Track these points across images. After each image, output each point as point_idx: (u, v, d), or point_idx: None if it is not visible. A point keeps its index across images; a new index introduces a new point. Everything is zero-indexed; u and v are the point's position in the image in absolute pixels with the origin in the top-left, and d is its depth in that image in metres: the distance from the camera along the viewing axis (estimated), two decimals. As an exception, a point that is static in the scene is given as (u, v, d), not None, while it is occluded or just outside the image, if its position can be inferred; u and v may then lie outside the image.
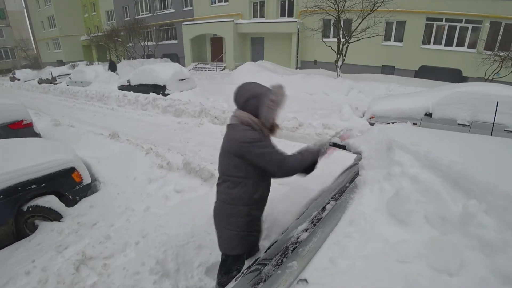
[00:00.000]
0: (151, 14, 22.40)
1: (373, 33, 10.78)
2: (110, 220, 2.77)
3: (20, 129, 4.63)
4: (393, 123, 1.85)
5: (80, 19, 30.22)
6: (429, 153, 1.10)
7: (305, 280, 0.80)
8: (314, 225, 1.10)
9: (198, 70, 18.46)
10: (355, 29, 10.97)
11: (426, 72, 12.84)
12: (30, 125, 4.84)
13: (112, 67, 15.96)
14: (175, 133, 5.93)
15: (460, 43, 12.43)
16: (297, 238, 1.06)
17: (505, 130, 4.47)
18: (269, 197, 1.68)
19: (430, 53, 12.79)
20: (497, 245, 0.75)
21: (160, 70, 10.03)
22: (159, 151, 4.46)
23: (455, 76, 11.95)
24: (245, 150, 1.41)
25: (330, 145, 1.60)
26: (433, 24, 12.66)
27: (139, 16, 22.31)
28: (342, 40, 11.42)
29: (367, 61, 13.97)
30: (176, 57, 21.04)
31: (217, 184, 1.62)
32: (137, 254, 2.26)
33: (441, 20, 12.43)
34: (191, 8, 19.89)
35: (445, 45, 12.67)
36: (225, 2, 18.16)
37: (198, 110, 6.96)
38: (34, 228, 2.66)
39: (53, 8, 29.08)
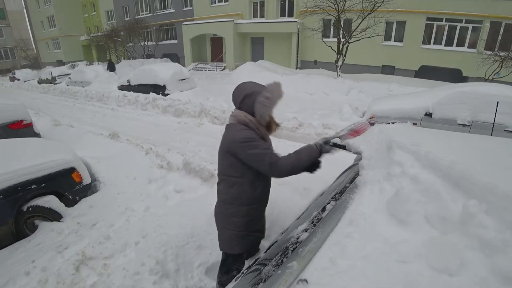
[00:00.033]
0: (151, 14, 22.39)
1: (373, 33, 10.78)
2: (110, 220, 2.77)
3: (20, 129, 4.63)
4: (393, 123, 1.84)
5: (80, 19, 30.22)
6: (429, 153, 1.10)
7: (305, 280, 0.80)
8: (314, 225, 1.10)
9: (198, 70, 18.46)
10: (355, 29, 10.97)
11: (426, 72, 12.84)
12: (30, 125, 4.84)
13: (111, 67, 16.02)
14: (175, 133, 5.93)
15: (460, 43, 12.43)
16: (297, 238, 1.05)
17: (505, 130, 4.46)
18: (269, 197, 1.68)
19: (430, 53, 12.79)
20: (497, 245, 0.74)
21: (160, 70, 10.03)
22: (159, 151, 4.46)
23: (455, 76, 11.95)
24: (237, 149, 1.41)
25: (330, 145, 1.59)
26: (433, 24, 12.66)
27: (139, 16, 22.31)
28: (342, 40, 11.42)
29: (367, 61, 13.97)
30: (176, 57, 21.04)
31: (217, 184, 1.63)
32: (137, 254, 2.26)
33: (441, 20, 12.43)
34: (191, 8, 19.89)
35: (445, 45, 12.67)
36: (225, 2, 18.16)
37: (198, 110, 6.96)
38: (34, 228, 2.66)
39: (53, 8, 29.09)
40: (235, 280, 1.16)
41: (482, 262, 0.75)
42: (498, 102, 3.65)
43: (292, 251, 0.97)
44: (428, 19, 12.61)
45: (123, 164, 3.92)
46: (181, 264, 2.14)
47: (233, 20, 16.84)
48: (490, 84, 6.03)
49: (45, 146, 3.31)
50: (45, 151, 3.06)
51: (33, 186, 2.63)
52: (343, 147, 1.66)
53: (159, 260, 2.12)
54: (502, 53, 9.64)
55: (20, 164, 2.62)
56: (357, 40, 11.07)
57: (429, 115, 5.06)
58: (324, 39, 12.90)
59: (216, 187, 1.66)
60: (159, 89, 9.63)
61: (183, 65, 17.46)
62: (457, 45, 12.50)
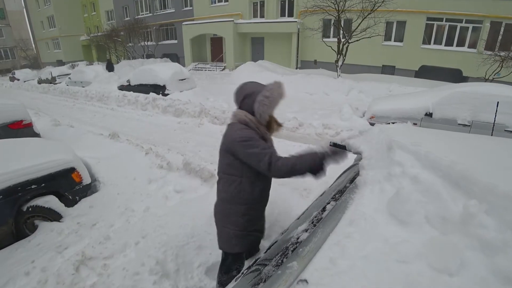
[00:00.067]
0: (151, 14, 22.40)
1: (373, 33, 10.78)
2: (110, 221, 2.77)
3: (19, 129, 4.63)
4: (393, 123, 1.84)
5: (80, 19, 30.22)
6: (430, 153, 1.10)
7: (305, 281, 0.80)
8: (314, 225, 1.10)
9: (198, 70, 18.46)
10: (355, 29, 10.97)
11: (426, 72, 12.85)
12: (29, 125, 4.84)
13: (109, 67, 16.11)
14: (175, 133, 5.93)
15: (461, 43, 12.43)
16: (297, 239, 1.05)
17: (505, 130, 4.47)
18: (269, 197, 1.68)
19: (431, 53, 12.80)
20: (497, 245, 0.74)
21: (160, 70, 10.04)
22: (159, 151, 4.46)
23: (455, 76, 11.95)
24: (236, 148, 1.42)
25: (330, 145, 1.59)
26: (434, 24, 12.67)
27: (139, 16, 22.32)
28: (342, 40, 11.42)
29: (367, 61, 13.97)
30: (176, 57, 21.04)
31: (217, 182, 1.63)
32: (137, 254, 2.25)
33: (441, 20, 12.43)
34: (191, 8, 19.89)
35: (445, 45, 12.67)
36: (225, 2, 18.16)
37: (198, 110, 6.96)
38: (33, 228, 2.66)
39: (53, 8, 29.09)
40: (235, 280, 1.16)
41: (482, 262, 0.75)
42: (498, 102, 3.65)
43: (292, 251, 0.97)
44: (428, 19, 12.62)
45: (123, 164, 3.92)
46: (181, 264, 2.14)
47: (233, 20, 16.84)
48: (490, 84, 6.03)
49: (45, 146, 3.31)
50: (45, 151, 3.06)
51: (33, 186, 2.63)
52: (343, 147, 1.66)
53: (159, 260, 2.12)
54: (502, 53, 9.64)
55: (20, 164, 2.62)
56: (357, 40, 11.07)
57: (429, 115, 5.06)
58: (324, 39, 12.90)
59: (216, 186, 1.66)
60: (159, 89, 9.64)
61: (183, 65, 17.47)
62: (457, 45, 12.50)
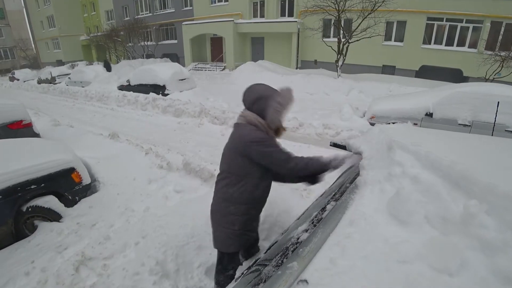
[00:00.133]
0: (150, 14, 22.40)
1: (373, 33, 10.78)
2: (109, 221, 2.77)
3: (19, 129, 4.63)
4: (393, 123, 1.85)
5: (79, 19, 30.22)
6: (430, 153, 1.10)
7: (305, 281, 0.80)
8: (315, 225, 1.10)
9: (198, 70, 18.46)
10: (356, 29, 10.98)
11: (426, 72, 12.84)
12: (29, 125, 4.84)
13: (107, 67, 16.15)
14: (175, 133, 5.93)
15: (461, 43, 12.43)
16: (297, 239, 1.05)
17: (506, 130, 4.46)
18: (269, 197, 1.68)
19: (431, 53, 12.79)
20: (497, 245, 0.74)
21: (160, 70, 10.04)
22: (159, 151, 4.46)
23: (455, 76, 11.95)
24: (252, 149, 1.43)
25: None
26: (434, 24, 12.66)
27: (139, 16, 22.31)
28: (343, 40, 11.42)
29: (367, 61, 13.97)
30: (176, 57, 21.04)
31: (217, 181, 1.62)
32: (137, 254, 2.25)
33: (441, 20, 12.43)
34: (191, 8, 19.89)
35: (445, 45, 12.67)
36: (225, 1, 18.16)
37: (198, 110, 6.96)
38: (33, 228, 2.66)
39: (53, 8, 29.09)
40: (235, 281, 1.16)
41: (483, 262, 0.75)
42: (498, 102, 3.66)
43: (292, 251, 0.96)
44: (429, 19, 12.61)
45: (123, 164, 3.92)
46: (181, 264, 2.14)
47: (233, 20, 16.84)
48: (490, 84, 6.03)
49: (44, 146, 3.31)
50: (45, 151, 3.05)
51: (32, 186, 2.62)
52: (343, 147, 1.66)
53: (159, 261, 2.12)
54: (502, 53, 9.64)
55: (20, 164, 2.62)
56: (358, 40, 11.07)
57: (429, 115, 5.06)
58: (325, 39, 12.90)
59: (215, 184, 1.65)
60: (159, 89, 9.64)
61: (183, 65, 17.47)
62: (457, 45, 12.50)
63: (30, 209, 2.62)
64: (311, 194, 2.98)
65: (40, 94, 13.20)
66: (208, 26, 17.96)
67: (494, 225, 0.78)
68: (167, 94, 9.33)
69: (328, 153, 1.67)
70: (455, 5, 11.72)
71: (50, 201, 2.75)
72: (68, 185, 2.96)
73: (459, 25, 12.20)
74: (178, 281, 2.05)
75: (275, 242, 1.32)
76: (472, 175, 0.92)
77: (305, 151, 4.45)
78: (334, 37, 13.67)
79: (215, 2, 18.69)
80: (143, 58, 20.93)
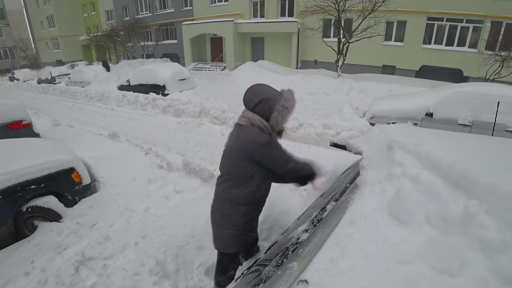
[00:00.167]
0: (150, 14, 22.40)
1: (373, 33, 10.78)
2: (109, 221, 2.76)
3: (19, 129, 4.63)
4: (393, 123, 1.84)
5: (79, 19, 30.22)
6: (430, 153, 1.10)
7: (306, 281, 0.80)
8: (315, 225, 1.10)
9: (198, 70, 18.46)
10: (356, 28, 10.97)
11: (427, 72, 12.84)
12: (29, 125, 4.83)
13: (106, 67, 16.19)
14: (175, 133, 5.93)
15: (461, 43, 12.43)
16: (298, 239, 1.05)
17: (506, 130, 4.46)
18: (269, 197, 1.68)
19: (431, 53, 12.79)
20: (497, 245, 0.74)
21: (159, 70, 10.03)
22: (159, 151, 4.46)
23: (456, 76, 11.95)
24: (259, 152, 1.43)
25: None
26: (434, 24, 12.66)
27: (139, 16, 22.31)
28: (343, 40, 11.42)
29: (367, 61, 13.97)
30: (176, 57, 21.04)
31: (218, 183, 1.62)
32: (137, 254, 2.25)
33: (442, 20, 12.43)
34: (191, 7, 19.89)
35: (446, 45, 12.67)
36: (225, 1, 18.16)
37: (198, 110, 6.95)
38: (33, 228, 2.66)
39: (52, 8, 29.08)
40: (235, 281, 1.16)
41: (483, 262, 0.75)
42: (499, 102, 3.65)
43: (293, 251, 0.96)
44: (429, 18, 12.61)
45: (122, 164, 3.92)
46: (181, 264, 2.14)
47: (233, 20, 16.84)
48: (491, 84, 6.03)
49: (44, 146, 3.31)
50: (45, 151, 3.05)
51: (32, 187, 2.62)
52: (343, 147, 1.66)
53: (159, 261, 2.12)
54: (503, 53, 9.64)
55: (20, 164, 2.62)
56: (358, 40, 11.07)
57: (429, 115, 5.06)
58: (325, 39, 12.90)
59: (215, 186, 1.65)
60: (159, 89, 9.63)
61: (183, 65, 17.46)
62: (458, 45, 12.49)
63: (30, 209, 2.62)
64: (311, 194, 2.97)
65: (40, 94, 13.20)
66: (208, 26, 17.96)
67: (494, 225, 0.78)
68: (167, 94, 9.33)
69: (328, 153, 1.68)
70: (455, 5, 11.72)
71: (50, 201, 2.75)
72: (68, 185, 2.96)
73: (459, 25, 12.20)
74: (178, 281, 2.04)
75: (275, 242, 1.32)
76: (472, 175, 0.92)
77: (305, 151, 4.44)
78: (334, 37, 13.67)
79: (215, 2, 18.69)
80: (143, 58, 20.93)
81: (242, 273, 1.21)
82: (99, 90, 11.16)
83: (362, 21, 10.70)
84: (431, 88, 6.62)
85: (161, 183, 3.42)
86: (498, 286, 0.70)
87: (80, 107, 9.41)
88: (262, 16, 17.06)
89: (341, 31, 11.45)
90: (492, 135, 3.42)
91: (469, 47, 12.29)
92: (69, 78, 15.23)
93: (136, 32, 20.70)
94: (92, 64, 20.79)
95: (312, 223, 1.14)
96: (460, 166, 0.98)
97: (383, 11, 10.73)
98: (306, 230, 1.09)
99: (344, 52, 11.41)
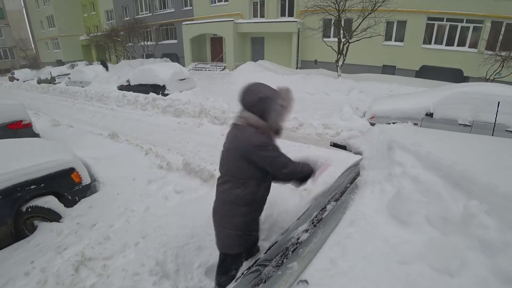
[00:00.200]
0: (150, 14, 22.39)
1: (373, 32, 10.78)
2: (109, 221, 2.76)
3: (19, 129, 4.63)
4: (394, 123, 1.84)
5: (79, 19, 30.21)
6: (430, 153, 1.10)
7: (306, 281, 0.79)
8: (315, 225, 1.10)
9: (198, 70, 18.45)
10: (356, 28, 10.97)
11: (427, 72, 12.84)
12: (29, 125, 4.83)
13: (104, 67, 16.24)
14: (175, 134, 5.93)
15: (461, 43, 12.42)
16: (298, 239, 1.05)
17: (506, 130, 4.46)
18: (269, 197, 1.68)
19: (431, 53, 12.79)
20: (497, 245, 0.74)
21: (159, 70, 10.03)
22: (159, 151, 4.46)
23: (456, 76, 11.94)
24: (255, 153, 1.42)
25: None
26: (434, 23, 12.66)
27: (139, 16, 22.31)
28: (343, 40, 11.42)
29: (367, 61, 13.96)
30: (176, 57, 21.04)
31: (218, 184, 1.61)
32: (137, 255, 2.25)
33: (442, 19, 12.43)
34: (191, 7, 19.89)
35: (446, 45, 12.66)
36: (225, 1, 18.15)
37: (198, 110, 6.95)
38: (33, 228, 2.66)
39: (52, 8, 29.07)
40: (235, 281, 1.16)
41: (483, 262, 0.74)
42: (499, 102, 3.65)
43: (293, 251, 0.96)
44: (429, 18, 12.61)
45: (122, 164, 3.91)
46: (181, 264, 2.14)
47: (233, 20, 16.84)
48: (491, 84, 6.03)
49: (44, 146, 3.30)
50: (45, 152, 3.05)
51: (32, 187, 2.62)
52: (343, 147, 1.66)
53: (158, 261, 2.11)
54: (503, 53, 9.64)
55: (19, 165, 2.62)
56: (358, 40, 11.06)
57: (430, 115, 5.06)
58: (325, 39, 12.89)
59: (216, 187, 1.65)
60: (159, 89, 9.63)
61: (183, 65, 17.46)
62: (458, 45, 12.49)
63: (29, 209, 2.62)
64: (311, 195, 2.97)
65: (39, 94, 13.19)
66: (208, 26, 17.96)
67: (495, 225, 0.77)
68: (167, 94, 9.32)
69: (328, 153, 1.68)
70: (455, 5, 11.71)
71: (50, 201, 2.74)
72: (68, 185, 2.96)
73: (460, 25, 12.20)
74: (178, 281, 2.04)
75: (275, 242, 1.32)
76: (472, 175, 0.91)
77: (305, 151, 4.44)
78: (334, 37, 13.66)
79: (215, 2, 18.69)
80: (143, 58, 20.93)
81: (242, 273, 1.21)
82: (99, 90, 11.15)
83: (362, 21, 10.70)
84: (431, 88, 6.61)
85: (161, 183, 3.41)
86: (498, 286, 0.70)
87: (80, 107, 9.41)
88: (262, 16, 17.06)
89: (341, 31, 11.45)
90: (493, 135, 3.42)
91: (469, 47, 12.29)
92: (69, 78, 15.22)
93: (136, 32, 20.70)
94: (92, 64, 20.78)
95: (312, 223, 1.14)
96: (460, 166, 0.97)
97: (383, 11, 10.72)
98: (306, 230, 1.09)
99: (344, 52, 11.41)
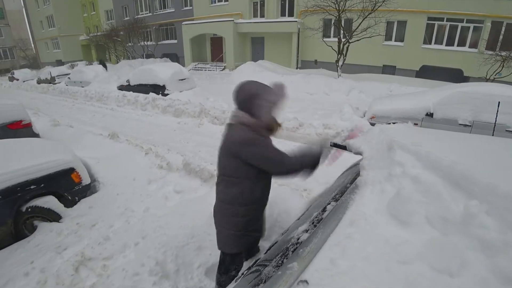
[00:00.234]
0: (150, 14, 22.40)
1: (374, 32, 10.78)
2: (109, 221, 2.76)
3: (19, 129, 4.63)
4: (394, 123, 1.84)
5: (79, 19, 30.21)
6: (430, 153, 1.10)
7: (306, 281, 0.79)
8: (315, 225, 1.09)
9: (198, 70, 18.46)
10: (356, 28, 10.97)
11: (427, 72, 12.84)
12: (29, 125, 4.84)
13: (104, 67, 16.31)
14: (175, 134, 5.93)
15: (462, 43, 12.42)
16: (298, 239, 1.05)
17: (506, 130, 4.46)
18: (269, 197, 1.67)
19: (431, 53, 12.79)
20: (498, 245, 0.74)
21: (159, 70, 10.03)
22: (159, 151, 4.46)
23: (456, 76, 11.94)
24: (240, 150, 1.40)
25: (330, 145, 1.59)
26: (434, 23, 12.66)
27: (139, 16, 22.32)
28: (343, 39, 11.42)
29: (368, 61, 13.97)
30: (175, 57, 21.04)
31: (216, 184, 1.62)
32: (137, 255, 2.25)
33: (442, 19, 12.43)
34: (191, 7, 19.89)
35: (446, 45, 12.66)
36: (225, 1, 18.16)
37: (198, 110, 6.95)
38: (33, 229, 2.66)
39: (52, 8, 29.08)
40: (235, 281, 1.16)
41: (483, 262, 0.74)
42: (499, 102, 3.65)
43: (293, 252, 0.96)
44: (429, 18, 12.61)
45: (122, 164, 3.92)
46: (181, 265, 2.14)
47: (233, 20, 16.84)
48: (491, 84, 6.02)
49: (44, 146, 3.30)
50: (44, 152, 3.05)
51: (32, 187, 2.62)
52: (343, 147, 1.66)
53: (158, 261, 2.11)
54: (503, 53, 9.64)
55: (19, 165, 2.62)
56: (358, 40, 11.06)
57: (430, 115, 5.06)
58: (325, 39, 12.89)
59: (215, 187, 1.65)
60: (159, 89, 9.63)
61: (183, 65, 17.47)
62: (458, 45, 12.49)
63: (29, 210, 2.62)
64: (311, 195, 2.97)
65: (39, 94, 13.19)
66: (208, 26, 17.96)
67: (495, 225, 0.77)
68: (167, 94, 9.32)
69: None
70: (455, 5, 11.71)
71: (50, 202, 2.74)
72: (67, 185, 2.96)
73: (460, 25, 12.20)
74: (178, 281, 2.04)
75: (275, 243, 1.32)
76: (472, 175, 0.91)
77: (305, 151, 4.44)
78: (334, 37, 13.67)
79: (215, 2, 18.69)
80: (143, 58, 20.94)
81: (242, 273, 1.21)
82: (99, 90, 11.16)
83: (362, 21, 10.70)
84: (432, 88, 6.61)
85: (161, 183, 3.42)
86: (498, 286, 0.69)
87: (80, 107, 9.41)
88: (262, 16, 17.06)
89: (341, 31, 11.45)
90: (493, 135, 3.42)
91: (469, 47, 12.29)
92: (68, 78, 15.22)
93: (136, 32, 20.70)
94: (92, 64, 20.79)
95: (312, 223, 1.14)
96: (460, 166, 0.97)
97: (383, 11, 10.72)
98: (306, 230, 1.09)
99: (344, 52, 11.41)
